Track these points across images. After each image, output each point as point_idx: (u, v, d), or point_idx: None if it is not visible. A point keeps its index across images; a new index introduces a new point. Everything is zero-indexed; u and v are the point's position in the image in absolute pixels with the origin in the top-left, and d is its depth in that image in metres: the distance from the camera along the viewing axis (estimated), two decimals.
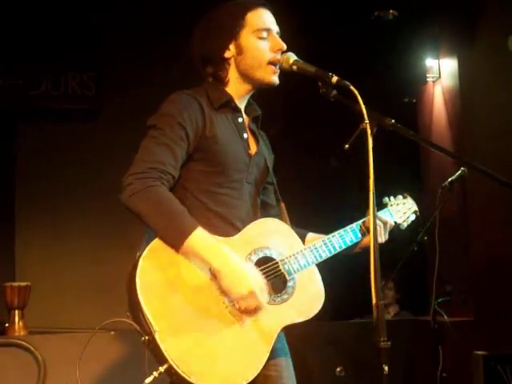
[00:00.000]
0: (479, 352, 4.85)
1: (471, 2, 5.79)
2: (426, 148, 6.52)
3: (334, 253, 2.88)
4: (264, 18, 2.83)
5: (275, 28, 2.85)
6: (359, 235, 2.98)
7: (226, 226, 2.72)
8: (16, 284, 5.06)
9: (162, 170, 2.58)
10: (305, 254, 2.79)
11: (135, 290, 2.43)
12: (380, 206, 3.10)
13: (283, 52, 2.82)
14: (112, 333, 4.76)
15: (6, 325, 5.01)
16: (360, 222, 2.99)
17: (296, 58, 2.79)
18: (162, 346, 2.40)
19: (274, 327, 2.65)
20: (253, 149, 2.89)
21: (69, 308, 6.50)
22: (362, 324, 5.69)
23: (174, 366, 2.40)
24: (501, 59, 5.55)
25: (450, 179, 4.33)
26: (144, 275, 2.46)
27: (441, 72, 6.38)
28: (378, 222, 2.92)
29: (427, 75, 6.45)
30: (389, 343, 2.26)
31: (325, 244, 2.87)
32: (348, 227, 2.97)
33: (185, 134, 2.65)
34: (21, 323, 4.98)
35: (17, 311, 5.00)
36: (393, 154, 6.02)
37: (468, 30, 5.87)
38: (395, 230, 3.10)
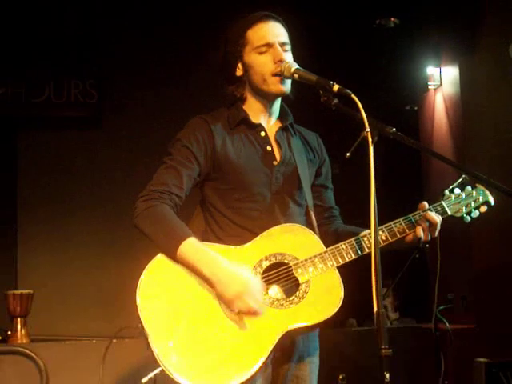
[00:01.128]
0: (481, 359, 4.84)
1: (472, 10, 5.80)
2: (427, 155, 6.53)
3: (361, 254, 2.81)
4: (263, 33, 2.88)
5: (277, 39, 2.88)
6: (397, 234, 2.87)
7: (252, 237, 2.78)
8: (18, 292, 5.06)
9: (164, 190, 2.76)
10: (324, 257, 2.77)
11: (134, 291, 2.59)
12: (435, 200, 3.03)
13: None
14: (114, 340, 4.75)
15: (9, 332, 5.02)
16: (401, 219, 2.88)
17: (297, 66, 2.81)
18: (153, 349, 2.54)
19: (276, 330, 2.65)
20: (279, 159, 2.93)
21: (71, 316, 6.50)
22: (363, 331, 5.69)
23: (164, 368, 2.52)
24: (502, 67, 5.56)
25: (450, 187, 4.33)
26: (144, 285, 2.62)
27: (442, 80, 6.39)
28: (422, 223, 2.87)
29: (428, 83, 6.46)
30: (390, 351, 2.26)
31: (350, 245, 2.81)
32: (384, 225, 2.87)
33: (191, 155, 2.82)
34: (23, 331, 4.98)
35: (19, 319, 5.00)
36: (394, 161, 6.03)
37: (469, 37, 5.88)
38: (459, 222, 3.03)
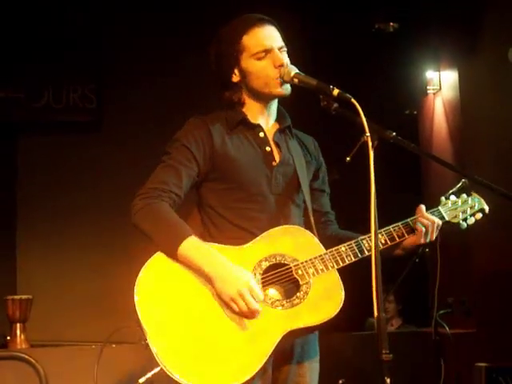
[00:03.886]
0: (481, 364, 4.83)
1: (471, 15, 5.80)
2: (426, 159, 6.53)
3: (360, 257, 2.82)
4: (261, 39, 2.87)
5: (275, 44, 2.87)
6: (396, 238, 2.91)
7: (250, 238, 2.77)
8: (17, 297, 5.06)
9: (163, 188, 2.74)
10: (324, 259, 2.77)
11: (133, 295, 2.59)
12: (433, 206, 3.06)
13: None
14: (113, 345, 4.75)
15: (8, 338, 5.02)
16: (400, 223, 2.94)
17: (297, 70, 2.81)
18: (152, 348, 2.52)
19: (276, 331, 2.64)
20: (278, 160, 2.93)
21: (71, 321, 6.49)
22: (364, 336, 5.68)
23: (164, 367, 2.51)
24: (501, 71, 5.56)
25: (450, 191, 4.33)
26: (142, 283, 2.61)
27: (441, 84, 6.38)
28: (425, 221, 2.90)
29: (428, 87, 6.45)
30: (391, 355, 2.26)
31: (350, 248, 2.82)
32: (383, 229, 2.90)
33: (191, 154, 2.81)
34: (22, 336, 4.98)
35: (18, 324, 5.00)
36: (394, 165, 6.03)
37: (468, 41, 5.88)
38: (456, 229, 3.07)
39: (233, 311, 2.61)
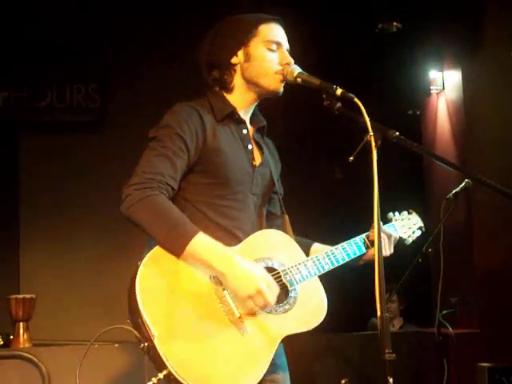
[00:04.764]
0: (484, 364, 4.83)
1: (475, 14, 5.80)
2: (429, 160, 6.52)
3: (336, 265, 2.87)
4: (276, 32, 2.87)
5: (285, 44, 2.88)
6: (363, 248, 2.97)
7: (229, 237, 2.72)
8: (20, 296, 5.06)
9: (161, 180, 2.60)
10: (307, 266, 2.78)
11: (135, 295, 2.45)
12: (385, 221, 3.10)
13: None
14: (117, 345, 4.75)
15: (11, 337, 5.01)
16: (364, 235, 2.99)
17: (300, 70, 2.81)
18: (160, 351, 2.41)
19: (275, 337, 2.64)
20: (257, 160, 2.90)
21: (73, 320, 6.50)
22: (366, 336, 5.68)
23: (173, 372, 2.41)
24: (505, 71, 5.56)
25: (454, 191, 4.32)
26: (144, 281, 2.48)
27: (445, 84, 6.37)
28: (382, 234, 2.92)
29: (431, 87, 6.45)
30: (394, 355, 2.26)
31: (328, 256, 2.85)
32: (352, 240, 2.97)
33: (185, 145, 2.68)
34: (25, 335, 4.97)
35: (21, 323, 4.99)
36: (396, 166, 6.03)
37: (472, 41, 5.88)
38: (400, 245, 3.11)
39: (234, 315, 2.57)
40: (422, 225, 3.22)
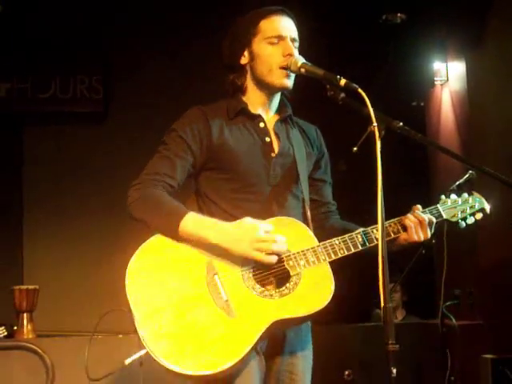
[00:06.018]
0: (487, 355, 4.84)
1: (479, 5, 5.78)
2: (433, 151, 6.52)
3: (353, 251, 2.81)
4: (277, 25, 2.89)
5: (289, 34, 2.89)
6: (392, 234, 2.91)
7: None
8: (24, 287, 5.06)
9: (156, 178, 2.77)
10: (316, 251, 2.76)
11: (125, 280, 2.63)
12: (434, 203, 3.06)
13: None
14: (120, 336, 4.76)
15: (15, 328, 5.02)
16: (396, 219, 2.94)
17: (304, 60, 2.81)
18: (139, 332, 2.55)
19: (263, 320, 2.64)
20: (277, 151, 2.93)
21: (77, 311, 6.51)
22: (370, 327, 5.69)
23: (149, 351, 2.53)
24: (509, 62, 5.54)
25: (457, 182, 4.31)
26: (133, 268, 2.64)
27: (449, 75, 6.36)
28: (409, 220, 2.88)
29: (435, 78, 6.44)
30: (397, 346, 2.25)
31: (344, 241, 2.81)
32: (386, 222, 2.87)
33: (186, 145, 2.83)
34: (29, 326, 4.98)
35: (25, 314, 5.00)
36: (400, 157, 6.02)
37: (476, 32, 5.86)
38: (455, 228, 3.07)
39: (222, 299, 2.62)
40: (486, 207, 3.10)
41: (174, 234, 2.65)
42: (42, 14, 6.65)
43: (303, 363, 2.92)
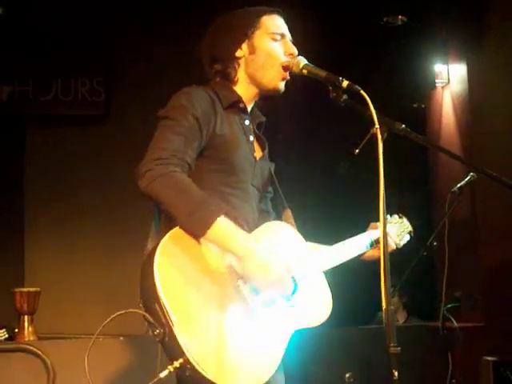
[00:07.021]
0: (489, 358, 4.83)
1: (480, 7, 5.78)
2: (434, 153, 6.52)
3: (341, 262, 2.87)
4: (279, 23, 2.86)
5: (288, 35, 2.87)
6: (368, 245, 2.99)
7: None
8: (25, 289, 5.06)
9: (182, 157, 2.51)
10: (311, 261, 2.78)
11: (153, 279, 2.32)
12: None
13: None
14: (121, 338, 4.76)
15: (16, 330, 5.01)
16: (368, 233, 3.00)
17: (306, 61, 2.80)
18: (180, 339, 2.30)
19: (286, 331, 2.62)
20: (258, 153, 2.89)
21: (78, 313, 6.51)
22: (371, 329, 5.68)
23: (192, 361, 2.29)
24: (510, 63, 5.54)
25: (459, 184, 4.33)
26: (162, 265, 2.35)
27: (450, 77, 6.36)
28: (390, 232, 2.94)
29: (436, 80, 6.44)
30: (399, 348, 2.25)
31: (332, 252, 2.86)
32: (359, 236, 2.98)
33: (198, 126, 2.61)
34: (30, 328, 4.97)
35: (26, 317, 4.99)
36: (400, 159, 6.01)
37: (477, 34, 5.86)
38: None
39: (250, 304, 2.51)
40: (411, 229, 3.22)
41: (198, 234, 2.45)
42: (43, 17, 6.66)
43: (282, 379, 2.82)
